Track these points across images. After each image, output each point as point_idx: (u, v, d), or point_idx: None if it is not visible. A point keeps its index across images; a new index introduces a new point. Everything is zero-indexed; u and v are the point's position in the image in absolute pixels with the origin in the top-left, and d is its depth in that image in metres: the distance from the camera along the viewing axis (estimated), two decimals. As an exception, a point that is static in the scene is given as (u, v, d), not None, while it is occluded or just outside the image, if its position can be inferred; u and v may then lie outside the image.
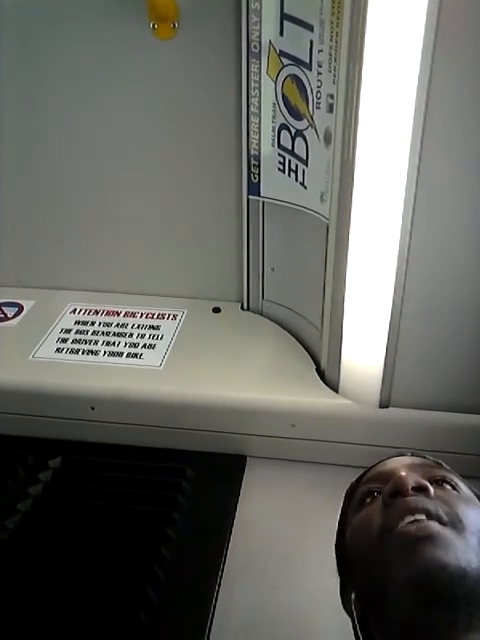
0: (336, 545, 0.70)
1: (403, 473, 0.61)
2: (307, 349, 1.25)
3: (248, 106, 1.17)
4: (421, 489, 0.58)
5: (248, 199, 1.27)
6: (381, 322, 1.05)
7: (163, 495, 1.04)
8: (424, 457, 0.71)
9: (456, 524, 0.56)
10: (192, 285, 1.42)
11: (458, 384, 1.08)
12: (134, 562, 0.93)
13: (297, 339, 1.29)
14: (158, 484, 1.06)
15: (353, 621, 0.64)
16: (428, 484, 0.59)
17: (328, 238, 1.07)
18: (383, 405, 1.10)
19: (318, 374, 1.18)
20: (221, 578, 0.91)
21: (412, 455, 0.71)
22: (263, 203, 1.27)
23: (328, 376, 1.16)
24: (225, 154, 1.27)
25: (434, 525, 0.55)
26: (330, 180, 1.02)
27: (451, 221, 0.94)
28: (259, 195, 1.26)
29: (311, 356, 1.23)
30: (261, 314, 1.38)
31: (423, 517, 0.55)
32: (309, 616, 0.87)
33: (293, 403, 1.12)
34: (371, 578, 0.58)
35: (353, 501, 0.68)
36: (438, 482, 0.62)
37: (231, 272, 1.39)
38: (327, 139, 1.02)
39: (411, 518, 0.55)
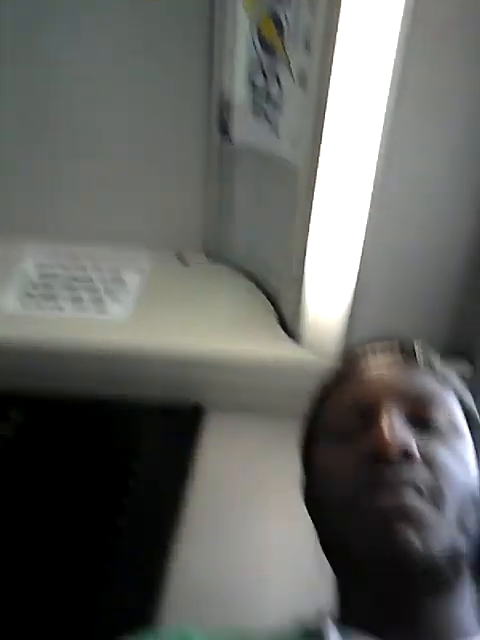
0: (301, 444, 0.65)
1: (386, 429, 0.52)
2: (271, 300, 1.24)
3: (222, 43, 1.11)
4: (406, 455, 0.51)
5: (218, 142, 1.23)
6: (346, 275, 1.04)
7: (123, 446, 1.03)
8: (403, 357, 0.61)
9: (437, 499, 0.50)
10: (157, 234, 1.38)
11: (414, 337, 1.09)
12: (93, 512, 0.93)
13: (262, 290, 1.28)
14: (118, 435, 1.06)
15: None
16: (414, 451, 0.51)
17: (297, 186, 1.04)
18: (343, 358, 1.11)
19: (281, 326, 1.17)
20: (179, 527, 0.91)
21: (395, 350, 0.62)
22: (233, 149, 1.23)
23: (291, 328, 1.15)
24: (195, 94, 1.20)
25: (412, 500, 0.49)
26: (303, 126, 0.99)
27: (423, 174, 0.93)
28: (230, 140, 1.22)
29: (274, 307, 1.22)
30: (227, 264, 1.36)
31: (402, 493, 0.50)
32: (266, 566, 0.88)
33: (254, 354, 1.12)
34: (333, 539, 0.55)
35: (329, 419, 0.61)
36: (424, 423, 0.55)
37: (197, 220, 1.34)
38: (302, 81, 0.98)
39: (389, 496, 0.49)
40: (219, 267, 1.36)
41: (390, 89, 0.84)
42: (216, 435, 1.10)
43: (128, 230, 1.38)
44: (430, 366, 0.60)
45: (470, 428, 0.57)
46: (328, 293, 1.08)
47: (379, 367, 0.60)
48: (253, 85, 1.12)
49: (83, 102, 1.24)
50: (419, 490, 0.49)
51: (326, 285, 1.07)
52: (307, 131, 0.96)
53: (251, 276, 1.31)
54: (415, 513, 0.48)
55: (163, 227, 1.38)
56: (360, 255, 1.01)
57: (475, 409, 0.60)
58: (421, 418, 0.55)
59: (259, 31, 1.06)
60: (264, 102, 1.12)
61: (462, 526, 0.50)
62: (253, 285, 1.29)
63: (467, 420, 0.58)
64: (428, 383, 0.58)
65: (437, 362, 0.61)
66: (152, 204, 1.35)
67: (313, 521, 0.59)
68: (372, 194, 0.94)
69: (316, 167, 0.95)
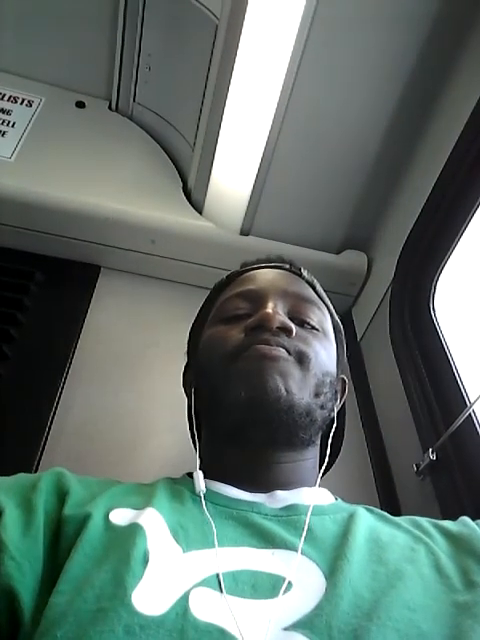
0: (191, 330, 0.73)
1: (270, 308, 0.61)
2: (176, 165, 1.19)
3: None
4: (285, 330, 0.60)
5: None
6: (256, 149, 1.01)
7: (8, 296, 0.98)
8: (291, 269, 0.71)
9: (304, 361, 0.59)
10: (54, 69, 1.24)
11: (316, 223, 1.12)
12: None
13: (166, 152, 1.21)
14: (3, 284, 0.99)
15: (189, 400, 0.69)
16: (292, 327, 0.60)
17: (215, 41, 0.96)
18: (244, 232, 1.11)
19: (184, 193, 1.14)
20: (66, 379, 0.92)
21: (282, 263, 0.72)
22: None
23: (194, 196, 1.12)
24: None
25: (283, 352, 0.58)
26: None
27: (343, 62, 0.90)
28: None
29: (179, 173, 1.17)
30: (130, 118, 1.26)
31: (276, 350, 0.58)
32: (147, 416, 0.92)
33: (155, 219, 1.08)
34: (211, 393, 0.61)
35: (220, 305, 0.68)
36: (303, 318, 0.64)
37: (101, 63, 1.22)
38: None
39: (265, 349, 0.57)
40: (123, 120, 1.26)
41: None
42: (110, 294, 1.08)
43: (22, 58, 1.23)
44: (311, 284, 0.71)
45: (336, 343, 0.68)
46: (236, 166, 1.05)
47: (270, 272, 0.70)
48: None
49: None
50: (289, 352, 0.59)
51: (236, 157, 1.04)
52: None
53: (158, 135, 1.24)
54: (283, 361, 0.57)
55: (63, 62, 1.24)
56: (276, 131, 0.98)
57: (342, 328, 0.71)
58: (299, 315, 0.64)
59: None
60: None
61: (318, 395, 0.59)
62: (158, 146, 1.22)
63: (334, 334, 0.68)
64: (308, 292, 0.69)
65: (317, 284, 0.72)
66: (54, 34, 1.20)
67: (193, 391, 0.66)
68: (297, 60, 0.89)
69: (241, 20, 0.87)
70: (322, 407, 0.60)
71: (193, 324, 0.74)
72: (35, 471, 0.79)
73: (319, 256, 1.13)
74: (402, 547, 0.51)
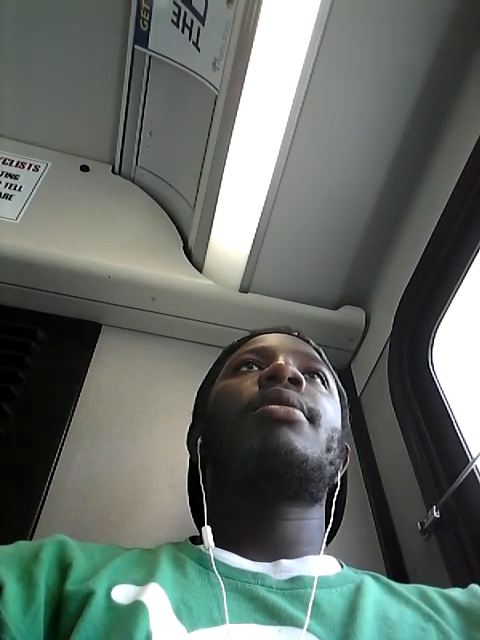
0: (200, 390, 0.74)
1: (282, 361, 0.64)
2: (176, 225, 1.22)
3: None
4: (296, 382, 0.62)
5: (134, 49, 1.15)
6: (254, 209, 1.05)
7: (10, 354, 0.99)
8: (299, 336, 0.74)
9: (315, 419, 0.61)
10: (60, 136, 1.29)
11: (314, 280, 1.14)
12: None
13: (168, 213, 1.25)
14: (5, 343, 1.01)
15: (192, 458, 0.70)
16: (303, 378, 0.63)
17: (215, 110, 1.01)
18: (243, 290, 1.13)
19: (184, 252, 1.16)
20: (65, 436, 0.91)
21: (290, 330, 0.75)
22: (150, 57, 1.16)
23: (194, 255, 1.15)
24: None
25: (298, 413, 0.60)
26: (226, 46, 0.95)
27: (337, 128, 0.95)
28: (147, 47, 1.15)
29: (180, 232, 1.21)
30: (132, 181, 1.31)
31: (288, 406, 0.60)
32: (148, 474, 0.91)
33: (155, 277, 1.10)
34: (224, 442, 0.61)
35: (231, 362, 0.70)
36: (311, 374, 0.67)
37: (105, 130, 1.28)
38: (230, -3, 0.94)
39: (278, 406, 0.59)
40: (125, 182, 1.30)
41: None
42: (110, 351, 1.09)
43: (28, 126, 1.28)
44: (315, 349, 0.74)
45: (340, 406, 0.70)
46: (236, 225, 1.08)
47: (280, 335, 0.73)
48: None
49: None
50: (302, 408, 0.60)
51: (235, 217, 1.07)
52: (231, 52, 0.92)
53: (159, 197, 1.28)
54: (297, 422, 0.59)
55: (69, 129, 1.29)
56: (273, 194, 1.01)
57: (346, 396, 0.73)
58: (308, 370, 0.67)
59: None
60: (187, 11, 1.05)
61: (329, 450, 0.61)
62: (160, 207, 1.26)
63: (339, 399, 0.70)
64: (316, 354, 0.72)
65: (323, 353, 0.75)
66: (59, 103, 1.26)
67: (199, 443, 0.67)
68: (293, 128, 0.94)
69: (239, 91, 0.92)
70: (331, 463, 0.61)
71: (202, 384, 0.75)
72: (33, 529, 0.77)
73: (317, 312, 1.15)
74: (412, 626, 0.50)
